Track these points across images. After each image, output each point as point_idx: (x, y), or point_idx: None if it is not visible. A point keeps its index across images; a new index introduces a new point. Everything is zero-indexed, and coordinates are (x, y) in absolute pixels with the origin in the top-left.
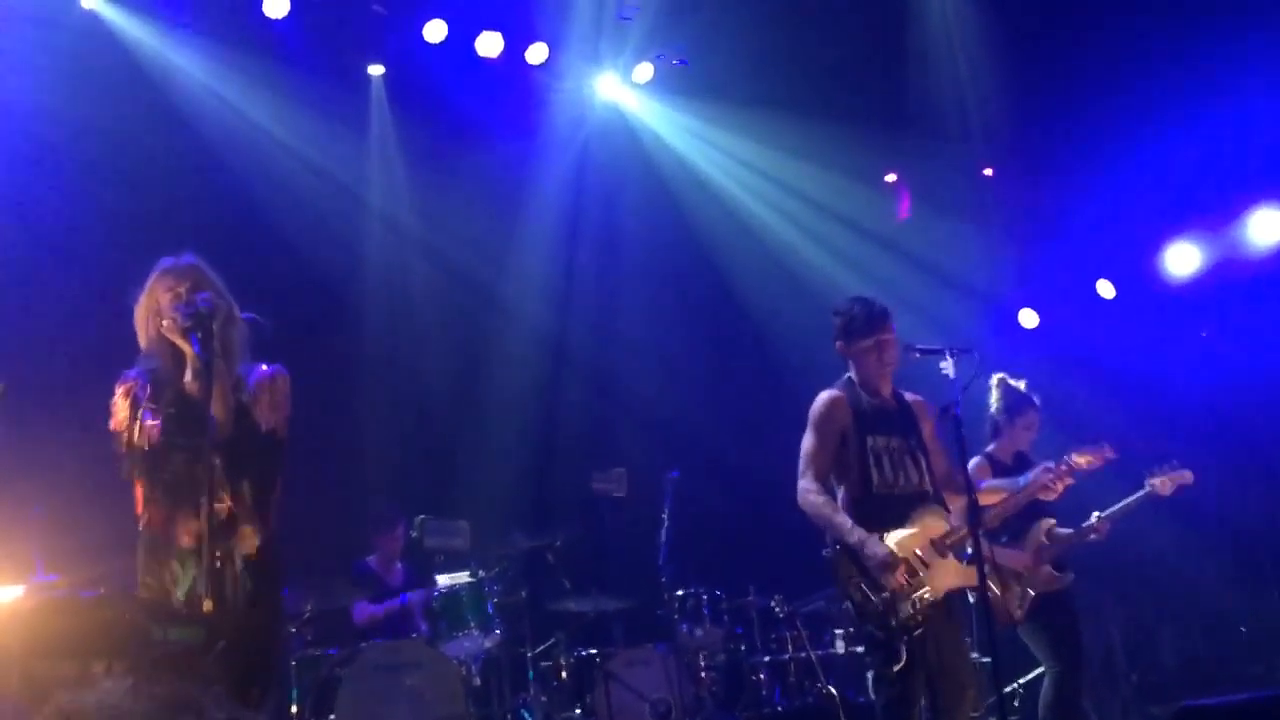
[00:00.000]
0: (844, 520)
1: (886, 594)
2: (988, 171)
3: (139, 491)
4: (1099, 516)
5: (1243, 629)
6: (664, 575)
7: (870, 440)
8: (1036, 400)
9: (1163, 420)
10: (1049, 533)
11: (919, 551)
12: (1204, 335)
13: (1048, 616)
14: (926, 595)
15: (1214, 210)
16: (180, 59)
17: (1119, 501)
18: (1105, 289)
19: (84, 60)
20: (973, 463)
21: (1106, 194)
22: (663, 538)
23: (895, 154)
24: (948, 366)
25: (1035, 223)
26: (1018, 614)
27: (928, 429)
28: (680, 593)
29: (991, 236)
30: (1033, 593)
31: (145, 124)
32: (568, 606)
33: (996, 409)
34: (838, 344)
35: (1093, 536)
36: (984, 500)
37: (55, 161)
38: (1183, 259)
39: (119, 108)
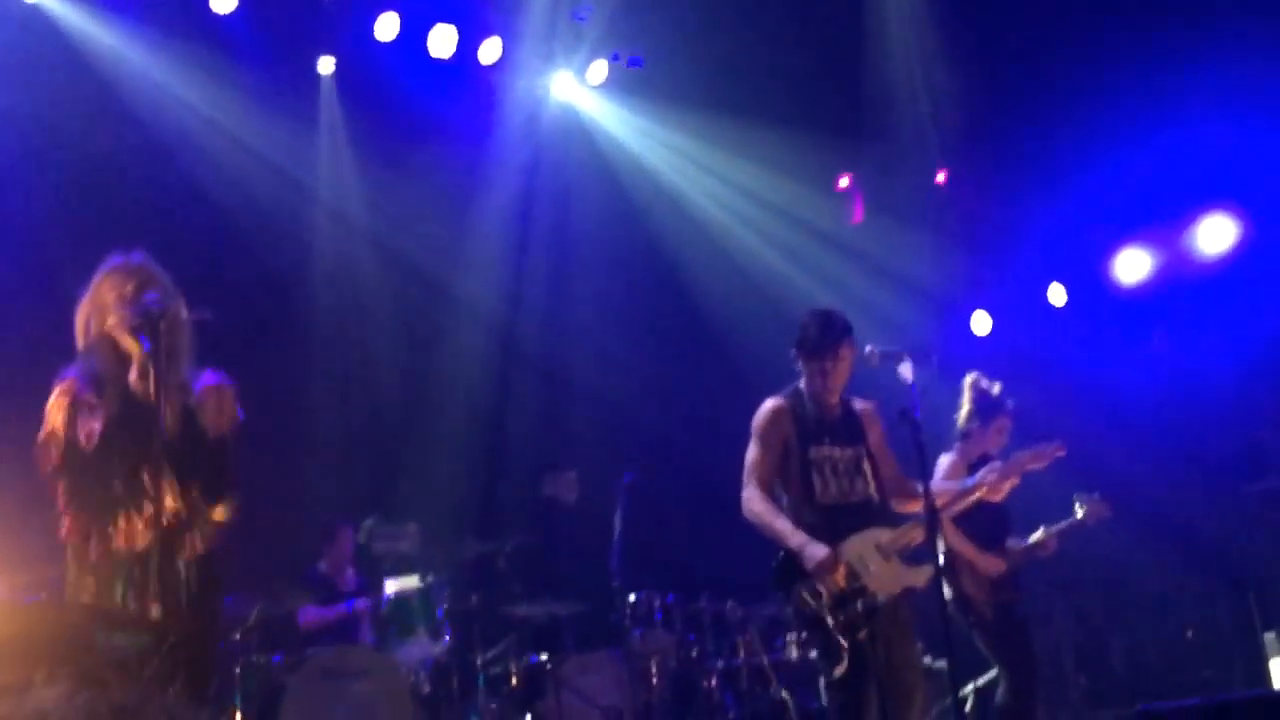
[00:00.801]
0: (784, 524)
1: (825, 599)
2: (941, 177)
3: (62, 496)
4: (1046, 532)
5: (1189, 633)
6: (616, 580)
7: (813, 451)
8: (1010, 404)
9: (1113, 424)
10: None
11: (862, 555)
12: (1156, 339)
13: (1000, 622)
14: (870, 599)
15: (1163, 217)
16: (126, 51)
17: (1063, 518)
18: (1057, 294)
19: (26, 54)
20: (945, 460)
21: (1058, 200)
22: (615, 542)
23: (849, 159)
24: (905, 370)
25: (988, 228)
26: (989, 615)
27: (875, 436)
28: (632, 598)
29: (944, 241)
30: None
31: (89, 117)
32: (518, 611)
33: (969, 411)
34: (793, 352)
35: (1040, 552)
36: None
37: None
38: (1133, 265)
39: (63, 101)
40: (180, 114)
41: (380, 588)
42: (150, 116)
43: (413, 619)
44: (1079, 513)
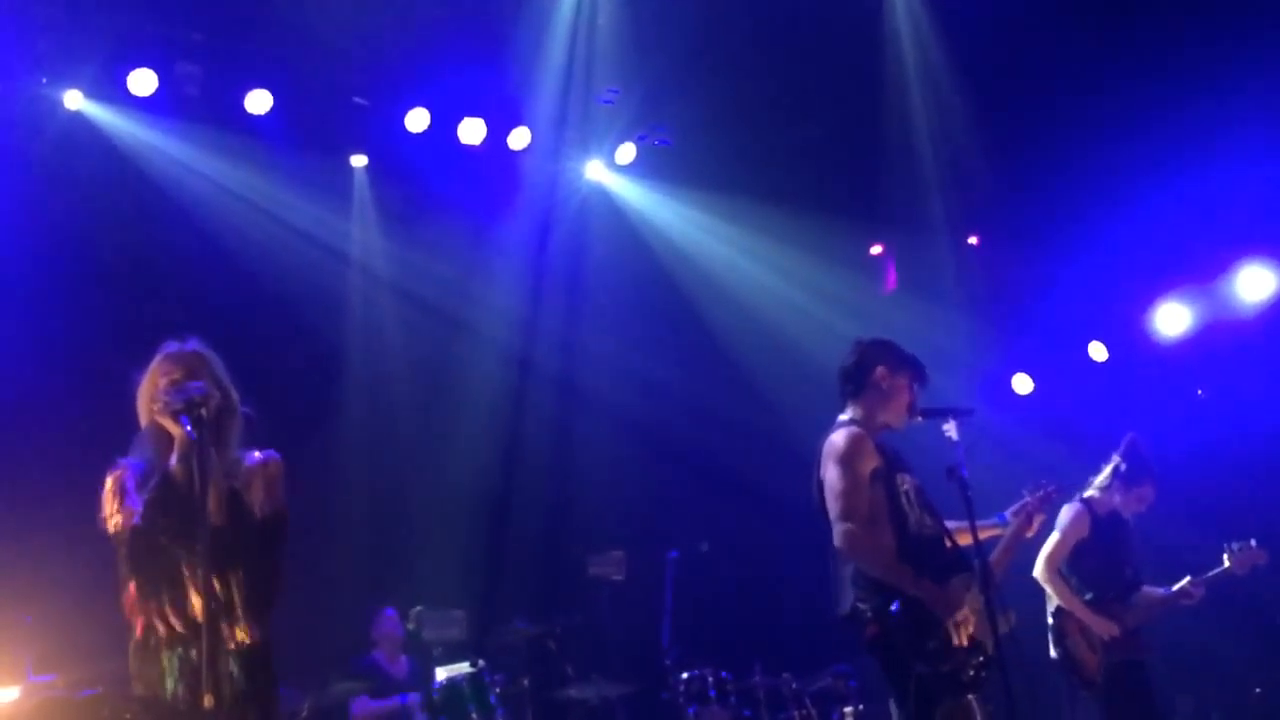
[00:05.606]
0: (905, 570)
1: (961, 652)
2: (973, 240)
3: (121, 585)
4: (1191, 581)
5: (1258, 690)
6: (668, 658)
7: (900, 479)
8: (1157, 471)
9: (1161, 480)
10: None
11: (968, 600)
12: (1200, 393)
13: (1113, 684)
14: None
15: (1201, 268)
16: (164, 149)
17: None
18: (1097, 351)
19: (70, 158)
20: (1071, 511)
21: (1093, 256)
22: (665, 620)
23: (879, 228)
24: (950, 428)
25: (1024, 288)
26: (1099, 678)
27: None
28: (685, 675)
29: (981, 304)
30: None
31: (133, 210)
32: (571, 694)
33: (1117, 467)
34: (878, 369)
35: (1185, 601)
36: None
37: (48, 260)
38: (1173, 318)
39: (107, 197)
40: (217, 199)
41: (431, 675)
42: (188, 201)
43: (465, 705)
44: (1226, 562)
